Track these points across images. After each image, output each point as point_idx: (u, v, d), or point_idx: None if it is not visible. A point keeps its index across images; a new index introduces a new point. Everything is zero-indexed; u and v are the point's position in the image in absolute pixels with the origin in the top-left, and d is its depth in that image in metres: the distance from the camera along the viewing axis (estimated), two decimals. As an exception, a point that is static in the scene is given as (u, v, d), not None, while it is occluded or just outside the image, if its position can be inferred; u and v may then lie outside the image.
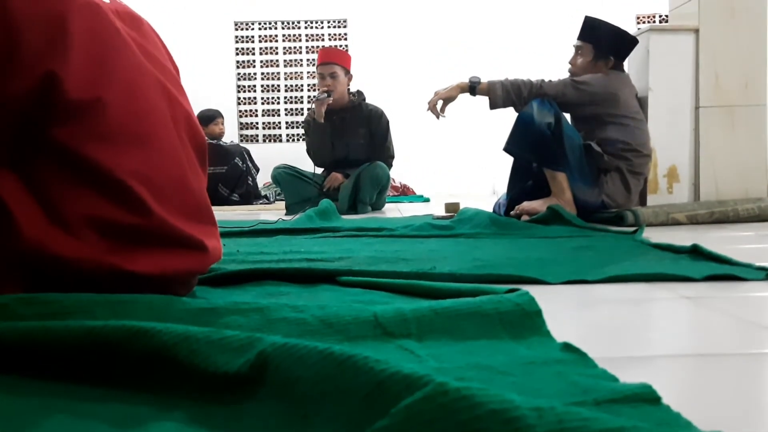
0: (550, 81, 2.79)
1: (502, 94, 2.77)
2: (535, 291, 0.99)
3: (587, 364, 0.73)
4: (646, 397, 0.60)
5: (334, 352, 0.60)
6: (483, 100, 2.85)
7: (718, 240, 2.05)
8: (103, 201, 0.98)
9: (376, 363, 0.57)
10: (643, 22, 6.69)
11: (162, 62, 1.16)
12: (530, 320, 0.87)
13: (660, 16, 6.67)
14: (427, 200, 5.54)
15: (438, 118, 2.92)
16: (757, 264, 1.41)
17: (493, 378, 0.69)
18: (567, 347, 0.78)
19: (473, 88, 2.82)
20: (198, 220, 1.11)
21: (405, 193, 6.04)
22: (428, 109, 2.90)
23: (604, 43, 2.84)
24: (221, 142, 5.08)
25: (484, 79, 2.83)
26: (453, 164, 6.65)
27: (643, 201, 3.05)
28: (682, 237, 2.09)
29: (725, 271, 1.36)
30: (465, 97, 2.89)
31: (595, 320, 1.06)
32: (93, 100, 0.98)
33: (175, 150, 1.09)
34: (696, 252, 1.59)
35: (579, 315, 1.10)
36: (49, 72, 0.94)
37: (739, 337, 0.94)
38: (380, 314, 0.86)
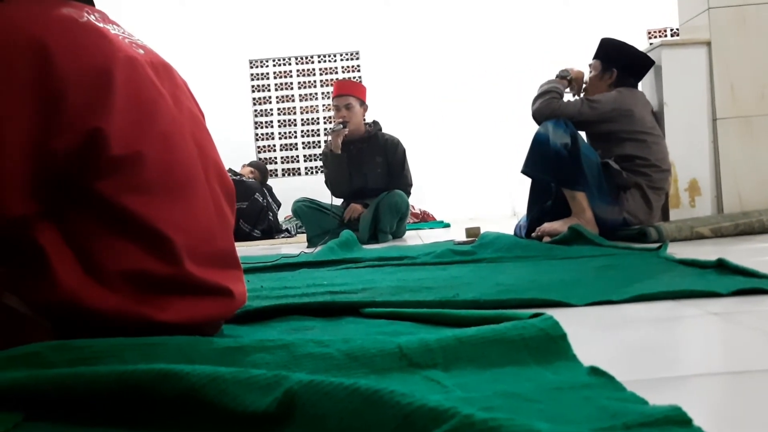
0: (568, 102, 2.82)
1: (542, 89, 2.92)
2: (559, 314, 0.99)
3: (615, 387, 0.73)
4: (676, 419, 0.59)
5: (360, 387, 0.61)
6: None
7: (743, 252, 2.03)
8: (140, 251, 0.99)
9: (402, 396, 0.57)
10: (655, 37, 6.68)
11: (192, 110, 1.18)
12: (555, 345, 0.87)
13: (671, 30, 6.66)
14: (447, 226, 5.53)
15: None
16: (785, 276, 1.39)
17: (521, 406, 0.68)
18: (594, 371, 0.78)
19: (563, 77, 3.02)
20: (225, 266, 1.13)
21: (425, 220, 6.03)
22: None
23: (609, 56, 2.94)
24: (243, 178, 5.14)
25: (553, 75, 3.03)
26: (471, 188, 6.64)
27: (665, 216, 3.02)
28: (706, 251, 2.07)
29: (753, 284, 1.34)
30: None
31: (622, 341, 1.05)
32: (134, 153, 0.99)
33: (206, 198, 1.11)
34: (722, 266, 1.57)
35: (605, 337, 1.09)
36: (95, 129, 0.95)
37: (770, 352, 0.92)
38: (405, 345, 0.86)
